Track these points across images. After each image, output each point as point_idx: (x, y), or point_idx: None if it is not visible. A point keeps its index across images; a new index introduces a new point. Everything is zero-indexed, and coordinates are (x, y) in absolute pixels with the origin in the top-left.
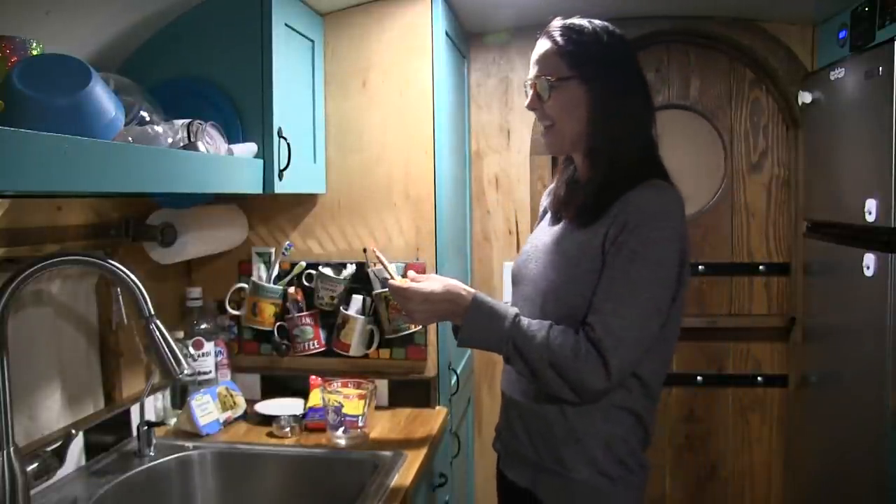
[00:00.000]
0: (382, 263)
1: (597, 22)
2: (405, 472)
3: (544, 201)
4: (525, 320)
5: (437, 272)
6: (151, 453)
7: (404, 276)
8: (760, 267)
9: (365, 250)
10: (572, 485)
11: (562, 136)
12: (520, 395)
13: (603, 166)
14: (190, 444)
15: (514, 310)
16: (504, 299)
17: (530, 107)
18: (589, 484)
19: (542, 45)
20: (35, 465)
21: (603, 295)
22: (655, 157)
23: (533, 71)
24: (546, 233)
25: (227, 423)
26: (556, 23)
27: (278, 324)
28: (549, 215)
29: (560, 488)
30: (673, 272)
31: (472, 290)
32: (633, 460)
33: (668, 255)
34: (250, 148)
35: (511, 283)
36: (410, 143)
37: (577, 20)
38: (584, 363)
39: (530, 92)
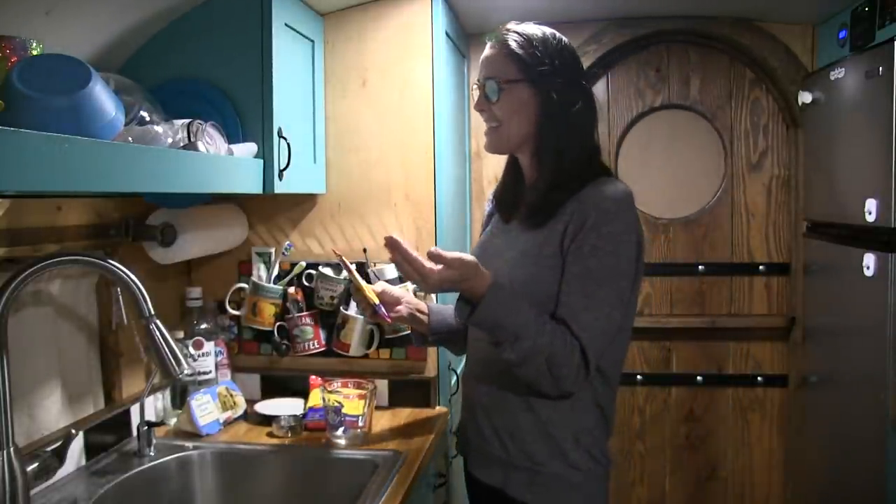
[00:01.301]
0: (347, 268)
1: (546, 28)
2: (405, 472)
3: (489, 205)
4: (533, 308)
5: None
6: (151, 453)
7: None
8: (760, 267)
9: (365, 250)
10: (543, 479)
11: (507, 137)
12: (485, 394)
13: (551, 167)
14: (190, 444)
15: (523, 295)
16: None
17: (478, 108)
18: (560, 477)
19: (492, 48)
20: (35, 465)
21: (571, 291)
22: (599, 159)
23: (482, 73)
24: (497, 235)
25: (227, 423)
26: (507, 26)
27: (278, 324)
28: (496, 218)
29: (531, 484)
30: (632, 264)
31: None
32: (599, 452)
33: (627, 247)
34: (250, 148)
35: None
36: (410, 143)
37: (527, 26)
38: (574, 358)
39: (477, 93)
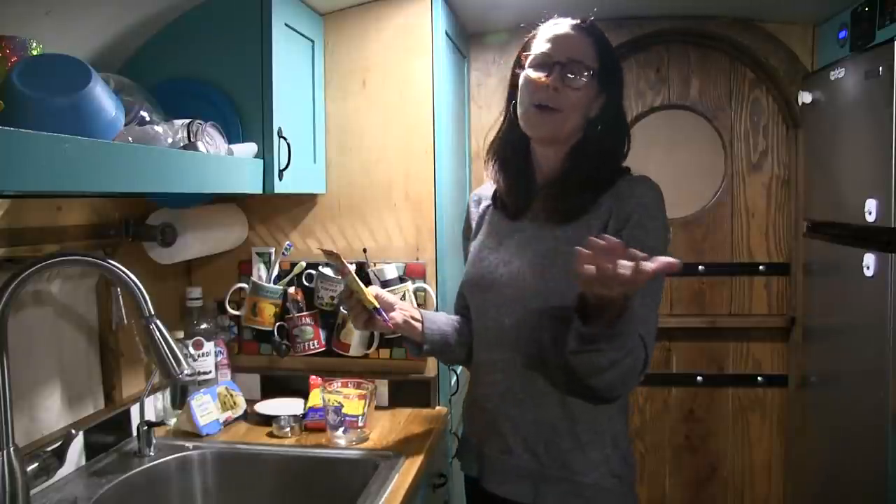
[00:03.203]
0: (346, 269)
1: None
2: (405, 472)
3: (479, 206)
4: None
5: (437, 272)
6: (151, 453)
7: (403, 276)
8: (760, 267)
9: (365, 250)
10: (581, 489)
11: (564, 125)
12: (515, 406)
13: (594, 163)
14: (190, 444)
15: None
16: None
17: (553, 84)
18: (599, 487)
19: (578, 31)
20: (35, 465)
21: None
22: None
23: (564, 51)
24: (507, 234)
25: (227, 423)
26: (572, 17)
27: (278, 324)
28: (496, 217)
29: (568, 495)
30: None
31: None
32: (630, 456)
33: (665, 242)
34: (250, 148)
35: (468, 292)
36: (410, 143)
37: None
38: (639, 358)
39: (555, 71)
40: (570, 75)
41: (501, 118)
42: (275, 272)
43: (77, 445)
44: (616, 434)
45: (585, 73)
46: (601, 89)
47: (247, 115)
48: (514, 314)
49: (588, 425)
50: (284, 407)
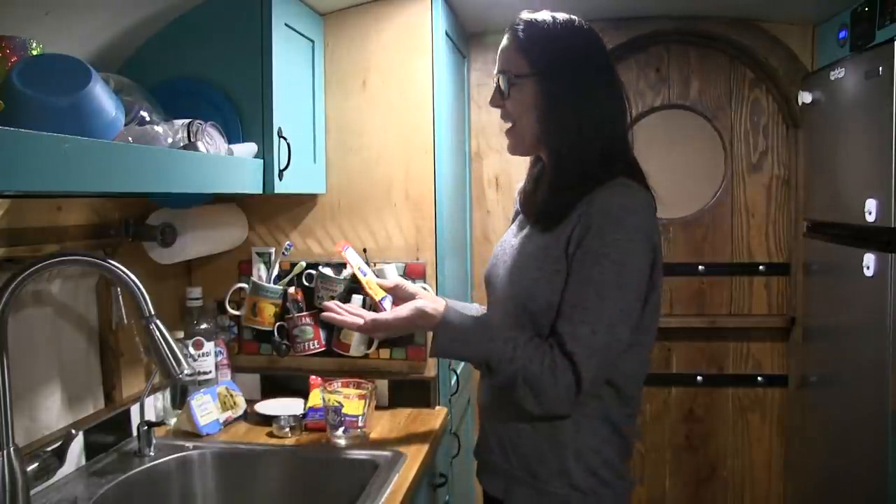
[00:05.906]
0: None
1: (561, 16)
2: (405, 472)
3: (517, 202)
4: (499, 337)
5: (437, 272)
6: (151, 453)
7: (403, 276)
8: (760, 267)
9: (365, 250)
10: (544, 497)
11: (521, 137)
12: (492, 407)
13: (561, 167)
14: (190, 444)
15: (488, 325)
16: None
17: (493, 104)
18: (560, 496)
19: (506, 39)
20: (35, 465)
21: (570, 302)
22: (624, 156)
23: (498, 67)
24: (514, 235)
25: (227, 423)
26: (522, 16)
27: (278, 324)
28: (521, 217)
29: (531, 499)
30: (641, 274)
31: (441, 310)
32: (608, 472)
33: (634, 257)
34: (250, 148)
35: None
36: (410, 143)
37: (541, 14)
38: (559, 378)
39: (494, 88)
40: (501, 88)
41: None
42: (275, 272)
43: (77, 445)
44: (583, 448)
45: (511, 83)
46: (542, 89)
47: (247, 115)
48: (499, 314)
49: (549, 436)
50: (284, 407)
